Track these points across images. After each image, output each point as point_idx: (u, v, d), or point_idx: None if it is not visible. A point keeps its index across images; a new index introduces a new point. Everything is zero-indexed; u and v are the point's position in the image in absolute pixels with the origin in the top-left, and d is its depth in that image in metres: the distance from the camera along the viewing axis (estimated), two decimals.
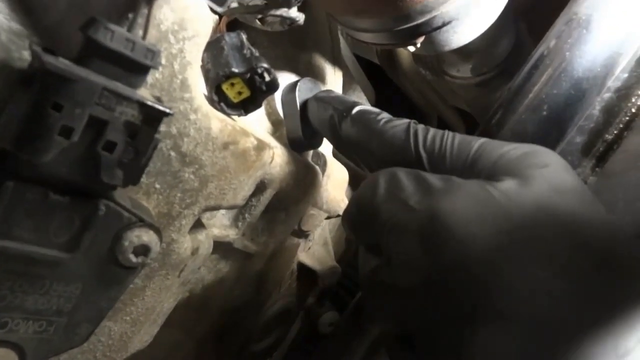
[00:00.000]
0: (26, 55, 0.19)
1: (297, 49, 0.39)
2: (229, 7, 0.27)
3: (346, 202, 0.39)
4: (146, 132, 0.19)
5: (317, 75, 0.40)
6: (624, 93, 0.31)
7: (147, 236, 0.21)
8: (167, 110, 0.19)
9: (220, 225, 0.32)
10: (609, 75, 0.31)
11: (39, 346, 0.21)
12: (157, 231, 0.22)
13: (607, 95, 0.32)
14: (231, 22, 0.29)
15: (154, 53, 0.18)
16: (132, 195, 0.23)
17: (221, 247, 0.32)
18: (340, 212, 0.39)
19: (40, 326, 0.21)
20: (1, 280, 0.19)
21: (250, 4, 0.29)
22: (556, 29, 0.32)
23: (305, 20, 0.29)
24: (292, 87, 0.33)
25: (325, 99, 0.31)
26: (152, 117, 0.19)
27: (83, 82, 0.17)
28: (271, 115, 0.35)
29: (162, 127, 0.21)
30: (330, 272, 0.43)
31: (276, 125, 0.36)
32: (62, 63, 0.16)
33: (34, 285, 0.20)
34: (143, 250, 0.21)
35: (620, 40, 0.30)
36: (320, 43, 0.41)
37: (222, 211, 0.32)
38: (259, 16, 0.29)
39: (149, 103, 0.18)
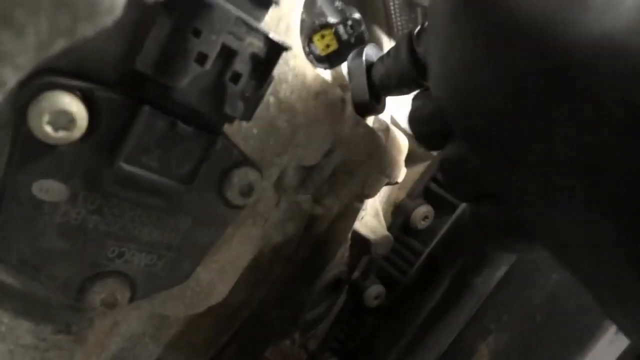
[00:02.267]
0: None
1: None
2: None
3: (405, 170, 0.39)
4: (268, 66, 0.19)
5: (375, 43, 0.41)
6: None
7: (252, 175, 0.22)
8: (289, 45, 0.19)
9: (290, 186, 0.33)
10: None
11: (147, 281, 0.22)
12: (260, 172, 0.23)
13: None
14: None
15: None
16: (233, 140, 0.23)
17: (290, 208, 0.33)
18: (400, 180, 0.40)
19: (151, 259, 0.22)
20: (125, 208, 0.20)
21: None
22: None
23: None
24: (359, 52, 0.34)
25: None
26: (275, 51, 0.19)
27: (220, 9, 0.17)
28: (337, 79, 0.36)
29: None
30: (383, 241, 0.43)
31: (342, 90, 0.36)
32: None
33: (152, 216, 0.21)
34: (248, 189, 0.22)
35: None
36: (375, 15, 0.42)
37: (292, 171, 0.33)
38: None
39: (275, 36, 0.19)
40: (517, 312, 0.35)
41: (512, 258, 0.33)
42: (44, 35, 0.10)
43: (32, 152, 0.17)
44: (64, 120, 0.16)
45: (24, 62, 0.10)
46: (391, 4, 0.48)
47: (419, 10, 0.41)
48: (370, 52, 0.34)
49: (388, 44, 0.42)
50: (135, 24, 0.18)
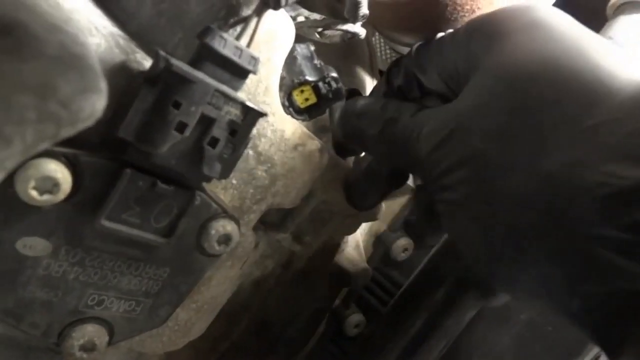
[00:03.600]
0: (139, 58, 0.21)
1: (340, 60, 0.42)
2: (295, 20, 0.29)
3: (384, 208, 0.41)
4: (244, 130, 0.21)
5: (357, 84, 0.42)
6: None
7: (230, 226, 0.23)
8: (265, 112, 0.21)
9: (271, 225, 0.34)
10: None
11: (125, 325, 0.23)
12: (238, 223, 0.24)
13: None
14: None
15: (255, 60, 0.20)
16: (212, 189, 0.25)
17: (270, 245, 0.34)
18: (379, 217, 0.41)
19: (129, 306, 0.23)
20: (105, 260, 0.21)
21: (311, 18, 0.31)
22: None
23: None
24: None
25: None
26: (251, 117, 0.21)
27: (200, 84, 0.19)
28: (318, 121, 0.38)
29: None
30: (362, 273, 0.44)
31: (322, 132, 0.38)
32: (185, 66, 0.18)
33: (131, 266, 0.22)
34: (225, 239, 0.23)
35: None
36: (360, 56, 0.44)
37: (273, 211, 0.34)
38: (319, 29, 0.31)
39: (251, 105, 0.20)
40: (486, 354, 0.36)
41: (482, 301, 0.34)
42: (29, 142, 0.11)
43: (17, 212, 0.18)
44: (49, 184, 0.17)
45: (10, 164, 0.11)
46: (379, 47, 0.50)
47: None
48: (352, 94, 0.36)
49: (371, 84, 0.43)
50: (120, 92, 0.19)
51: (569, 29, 0.22)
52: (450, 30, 0.28)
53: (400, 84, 0.30)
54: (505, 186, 0.20)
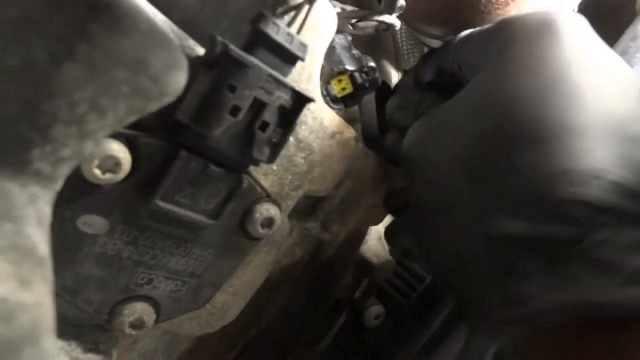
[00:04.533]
0: (191, 44, 0.21)
1: (367, 54, 0.42)
2: None
3: None
4: (293, 115, 0.21)
5: (383, 77, 0.43)
6: None
7: (273, 210, 0.24)
8: (312, 97, 0.21)
9: (300, 213, 0.35)
10: None
11: (171, 304, 0.24)
12: (280, 207, 0.24)
13: None
14: None
15: (305, 47, 0.21)
16: (254, 175, 0.25)
17: (300, 233, 0.35)
18: None
19: (176, 285, 0.23)
20: (157, 240, 0.22)
21: (347, 9, 0.31)
22: (622, 45, 0.34)
23: None
24: None
25: None
26: (300, 102, 0.21)
27: (254, 68, 0.19)
28: (348, 112, 0.38)
29: None
30: (385, 265, 0.45)
31: (351, 122, 0.38)
32: (241, 51, 0.19)
33: (180, 247, 0.22)
34: (268, 223, 0.24)
35: None
36: (386, 50, 0.44)
37: (303, 199, 0.35)
38: (353, 21, 0.31)
39: (300, 90, 0.21)
40: None
41: None
42: (121, 115, 0.12)
43: (80, 190, 0.19)
44: (111, 163, 0.18)
45: (102, 135, 0.12)
46: (400, 41, 0.50)
47: (425, 49, 0.43)
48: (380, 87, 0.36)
49: (396, 77, 0.44)
50: None
51: (574, 57, 0.22)
52: (479, 28, 0.28)
53: (430, 78, 0.31)
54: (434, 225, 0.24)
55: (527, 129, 0.21)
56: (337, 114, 0.32)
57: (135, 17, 0.12)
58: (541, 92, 0.21)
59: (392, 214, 0.37)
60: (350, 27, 0.32)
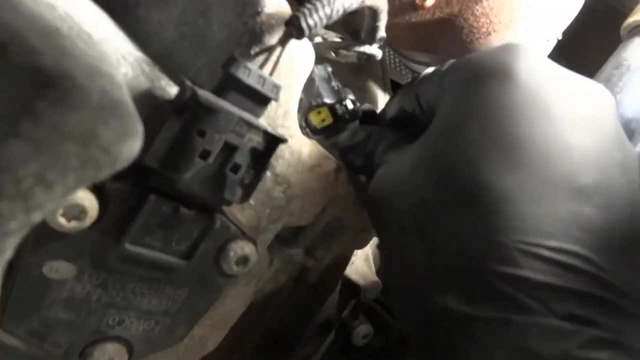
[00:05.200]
0: (163, 84, 0.21)
1: (353, 75, 0.42)
2: (312, 41, 0.30)
3: None
4: (265, 156, 0.21)
5: (370, 100, 0.43)
6: None
7: (248, 248, 0.24)
8: (285, 138, 0.21)
9: (283, 240, 0.35)
10: None
11: (144, 343, 0.24)
12: (255, 244, 0.24)
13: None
14: None
15: (278, 88, 0.21)
16: (230, 210, 0.25)
17: (283, 260, 0.35)
18: None
19: (149, 325, 0.23)
20: (127, 282, 0.21)
21: (328, 39, 0.31)
22: (605, 73, 0.34)
23: None
24: None
25: None
26: (272, 143, 0.21)
27: (224, 113, 0.19)
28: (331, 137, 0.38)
29: None
30: (372, 286, 0.45)
31: (335, 147, 0.38)
32: (210, 95, 0.19)
33: (152, 287, 0.22)
34: (243, 260, 0.24)
35: None
36: (373, 71, 0.44)
37: (287, 227, 0.35)
38: (333, 50, 0.31)
39: (272, 132, 0.21)
40: None
41: None
42: (70, 186, 0.11)
43: (45, 238, 0.18)
44: (76, 211, 0.18)
45: (50, 206, 0.12)
46: (390, 57, 0.50)
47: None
48: (364, 110, 0.36)
49: (383, 99, 0.44)
50: (145, 119, 0.20)
51: (524, 104, 0.20)
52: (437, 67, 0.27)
53: (392, 114, 0.30)
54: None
55: (464, 194, 0.20)
56: (319, 142, 0.32)
57: (85, 90, 0.11)
58: (478, 152, 0.20)
59: None
60: (333, 55, 0.32)
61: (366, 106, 0.36)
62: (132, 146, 0.12)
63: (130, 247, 0.20)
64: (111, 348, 0.22)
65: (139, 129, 0.13)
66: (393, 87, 0.63)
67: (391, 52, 0.61)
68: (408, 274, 0.22)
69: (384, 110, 0.32)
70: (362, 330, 0.50)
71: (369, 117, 0.36)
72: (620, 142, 0.21)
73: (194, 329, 0.28)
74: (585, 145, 0.19)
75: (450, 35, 0.30)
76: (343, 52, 0.31)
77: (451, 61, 0.25)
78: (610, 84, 0.33)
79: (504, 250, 0.18)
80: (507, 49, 0.22)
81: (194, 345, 0.28)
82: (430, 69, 0.27)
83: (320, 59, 0.31)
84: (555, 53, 0.36)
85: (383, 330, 0.47)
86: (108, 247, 0.20)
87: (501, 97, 0.20)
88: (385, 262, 0.25)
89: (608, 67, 0.34)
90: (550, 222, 0.18)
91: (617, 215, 0.18)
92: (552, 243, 0.18)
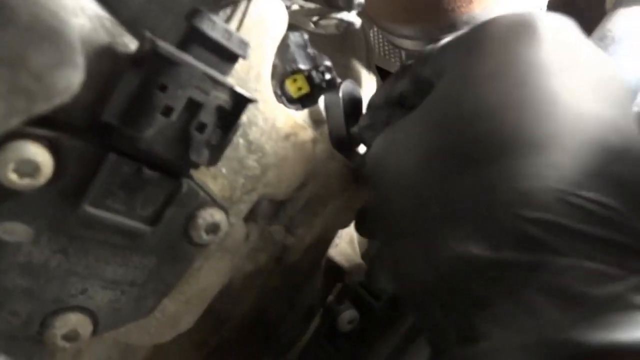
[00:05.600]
0: (126, 40, 0.20)
1: (336, 53, 0.41)
2: (290, 9, 0.29)
3: None
4: (233, 116, 0.20)
5: (353, 77, 0.42)
6: None
7: (218, 215, 0.23)
8: (254, 98, 0.20)
9: (263, 216, 0.34)
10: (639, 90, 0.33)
11: (110, 315, 0.23)
12: (226, 212, 0.23)
13: (635, 109, 0.33)
14: None
15: (245, 44, 0.20)
16: (201, 178, 0.24)
17: (262, 238, 0.34)
18: None
19: (114, 295, 0.22)
20: (89, 248, 0.20)
21: (306, 6, 0.30)
22: None
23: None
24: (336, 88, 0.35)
25: None
26: (240, 103, 0.20)
27: (187, 67, 0.18)
28: (313, 114, 0.37)
29: None
30: (356, 269, 0.44)
31: (317, 124, 0.37)
32: (171, 48, 0.18)
33: (116, 255, 0.21)
34: (214, 228, 0.23)
35: None
36: (357, 50, 0.43)
37: (266, 202, 0.34)
38: (315, 19, 0.30)
39: (239, 90, 0.20)
40: None
41: None
42: (0, 116, 0.11)
43: None
44: (29, 168, 0.17)
45: None
46: (378, 41, 0.49)
47: (402, 52, 0.43)
48: (347, 88, 0.35)
49: (367, 78, 0.43)
50: (106, 75, 0.19)
51: (550, 60, 0.20)
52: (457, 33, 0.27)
53: (402, 90, 0.29)
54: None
55: (486, 144, 0.19)
56: (303, 117, 0.31)
57: (14, 8, 0.10)
58: (505, 101, 0.19)
59: (363, 236, 0.36)
60: (312, 26, 0.31)
61: (349, 83, 0.35)
62: (70, 77, 0.12)
63: (90, 209, 0.19)
64: (74, 318, 0.21)
65: (77, 59, 0.12)
66: (381, 75, 0.63)
67: (380, 36, 0.60)
68: (417, 228, 0.21)
69: (375, 96, 0.31)
70: (348, 315, 0.49)
71: (356, 105, 0.35)
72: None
73: (166, 304, 0.27)
74: (609, 109, 0.19)
75: (430, 4, 0.29)
76: (322, 22, 0.31)
77: (464, 30, 0.24)
78: None
79: (536, 196, 0.17)
80: (528, 12, 0.22)
81: (166, 321, 0.27)
82: (447, 39, 0.26)
83: (299, 31, 0.31)
84: None
85: (367, 314, 0.46)
86: (66, 209, 0.19)
87: (525, 51, 0.20)
88: (386, 227, 0.23)
89: (593, 39, 0.33)
90: (585, 174, 0.17)
91: None
92: (589, 194, 0.17)
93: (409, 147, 0.22)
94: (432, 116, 0.21)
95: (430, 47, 0.27)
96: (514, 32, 0.21)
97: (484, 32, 0.22)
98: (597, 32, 0.33)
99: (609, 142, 0.18)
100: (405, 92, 0.28)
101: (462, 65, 0.22)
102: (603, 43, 0.32)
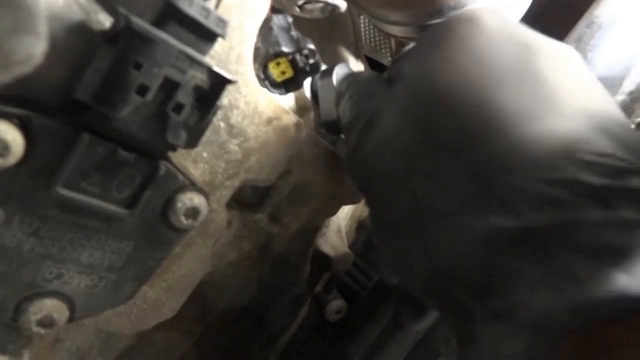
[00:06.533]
0: (101, 18, 0.20)
1: (324, 41, 0.40)
2: None
3: None
4: (211, 97, 0.20)
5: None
6: (637, 96, 0.33)
7: (197, 199, 0.22)
8: (233, 79, 0.20)
9: (247, 204, 0.33)
10: (626, 77, 0.32)
11: (87, 300, 0.22)
12: (207, 196, 0.23)
13: (620, 97, 0.33)
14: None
15: (224, 23, 0.19)
16: (181, 162, 0.24)
17: (246, 226, 0.33)
18: (360, 200, 0.40)
19: (91, 280, 0.22)
20: (63, 231, 0.20)
21: None
22: (578, 32, 0.34)
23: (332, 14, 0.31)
24: (329, 71, 0.34)
25: None
26: (219, 84, 0.20)
27: (163, 44, 0.18)
28: (299, 100, 0.37)
29: None
30: (343, 258, 0.44)
31: (303, 110, 0.37)
32: (146, 24, 0.17)
33: (92, 239, 0.21)
34: (193, 213, 0.22)
35: (638, 45, 0.31)
36: (345, 37, 0.43)
37: (250, 189, 0.33)
38: (300, 3, 0.30)
39: (218, 70, 0.19)
40: None
41: None
42: None
43: None
44: None
45: None
46: (368, 30, 0.49)
47: (392, 42, 0.42)
48: (341, 72, 0.35)
49: (355, 64, 0.42)
50: (79, 52, 0.18)
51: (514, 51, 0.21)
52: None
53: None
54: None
55: (482, 117, 0.19)
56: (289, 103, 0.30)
57: None
58: (490, 75, 0.19)
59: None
60: (298, 10, 0.31)
61: (343, 66, 0.35)
62: (30, 46, 0.11)
63: (63, 191, 0.19)
64: (49, 303, 0.21)
65: (39, 27, 0.11)
66: (371, 65, 0.62)
67: (370, 26, 0.60)
68: (422, 221, 0.20)
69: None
70: (335, 305, 0.49)
71: None
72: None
73: (147, 290, 0.27)
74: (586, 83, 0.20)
75: None
76: (308, 6, 0.30)
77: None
78: (582, 43, 0.32)
79: (549, 158, 0.17)
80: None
81: (147, 308, 0.27)
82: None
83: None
84: (527, 13, 0.35)
85: (354, 303, 0.46)
86: (39, 191, 0.18)
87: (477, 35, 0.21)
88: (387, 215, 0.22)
89: (580, 25, 0.33)
90: (587, 133, 0.18)
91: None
92: (597, 149, 0.17)
93: (390, 124, 0.22)
94: (404, 97, 0.21)
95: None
96: (464, 22, 0.22)
97: (440, 28, 0.24)
98: (585, 19, 0.33)
99: (599, 107, 0.19)
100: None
101: (422, 55, 0.23)
102: (590, 29, 0.32)
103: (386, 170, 0.21)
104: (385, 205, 0.22)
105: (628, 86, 0.33)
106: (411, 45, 0.27)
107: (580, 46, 0.32)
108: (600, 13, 0.32)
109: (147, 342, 0.34)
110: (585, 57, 0.32)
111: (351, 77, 0.29)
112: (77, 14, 0.19)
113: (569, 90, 0.19)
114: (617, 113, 0.20)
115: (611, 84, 0.32)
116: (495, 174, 0.18)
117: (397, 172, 0.21)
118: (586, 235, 0.16)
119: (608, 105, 0.20)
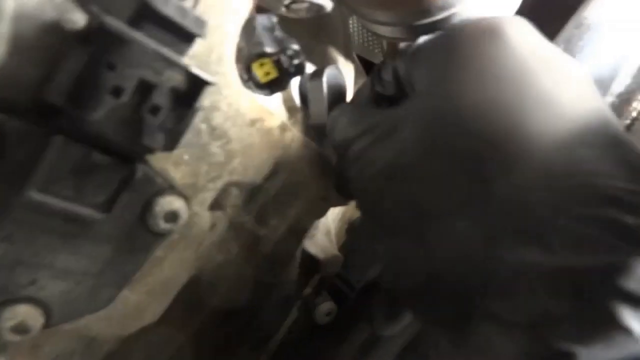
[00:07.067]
0: (76, 17, 0.19)
1: (313, 41, 0.40)
2: None
3: None
4: (190, 99, 0.19)
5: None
6: (625, 97, 0.33)
7: (177, 203, 0.22)
8: (212, 80, 0.19)
9: (232, 206, 0.33)
10: (615, 78, 0.32)
11: (64, 306, 0.22)
12: (187, 199, 0.23)
13: (609, 99, 0.33)
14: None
15: (202, 23, 0.19)
16: (162, 165, 0.23)
17: (232, 228, 0.33)
18: (349, 202, 0.40)
19: (67, 286, 0.21)
20: (37, 236, 0.19)
21: None
22: (566, 33, 0.33)
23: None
24: (319, 73, 0.34)
25: None
26: (197, 85, 0.19)
27: (137, 45, 0.17)
28: (287, 101, 0.36)
29: None
30: (332, 260, 0.43)
31: (291, 112, 0.36)
32: (120, 24, 0.17)
33: (66, 243, 0.20)
34: (172, 217, 0.22)
35: (627, 46, 0.31)
36: (334, 37, 0.42)
37: (235, 191, 0.33)
38: (286, 2, 0.29)
39: (196, 71, 0.19)
40: None
41: None
42: None
43: None
44: None
45: None
46: (353, 26, 0.48)
47: (383, 41, 0.42)
48: (331, 74, 0.34)
49: (345, 65, 0.42)
50: (52, 53, 0.18)
51: (527, 60, 0.20)
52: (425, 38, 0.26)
53: (392, 93, 0.28)
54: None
55: (502, 145, 0.18)
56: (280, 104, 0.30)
57: None
58: (507, 99, 0.19)
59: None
60: (284, 10, 0.30)
61: (333, 68, 0.34)
62: None
63: (35, 195, 0.18)
64: (23, 310, 0.20)
65: (0, 29, 0.11)
66: (363, 65, 0.62)
67: (360, 25, 0.59)
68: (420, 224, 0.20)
69: (360, 90, 0.30)
70: (325, 307, 0.48)
71: (339, 92, 0.34)
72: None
73: (128, 295, 0.26)
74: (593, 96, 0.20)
75: None
76: (294, 6, 0.30)
77: (433, 35, 0.25)
78: (570, 45, 0.32)
79: (585, 191, 0.16)
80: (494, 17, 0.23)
81: (129, 313, 0.27)
82: (417, 43, 0.26)
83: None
84: (516, 14, 0.35)
85: (344, 305, 0.45)
86: (10, 195, 0.18)
87: (502, 53, 0.20)
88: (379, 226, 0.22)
89: (569, 27, 0.33)
90: (613, 166, 0.17)
91: None
92: (622, 185, 0.17)
93: (399, 147, 0.21)
94: (423, 115, 0.21)
95: (405, 45, 0.27)
96: (486, 36, 0.21)
97: (458, 39, 0.23)
98: (574, 20, 0.33)
99: (611, 131, 0.19)
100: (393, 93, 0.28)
101: (441, 70, 0.22)
102: (579, 31, 0.32)
103: (386, 171, 0.21)
104: (385, 205, 0.22)
105: (617, 88, 0.32)
106: (412, 45, 0.26)
107: (569, 47, 0.32)
108: (589, 14, 0.32)
109: (129, 346, 0.34)
110: (573, 58, 0.32)
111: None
112: (49, 13, 0.18)
113: (586, 116, 0.19)
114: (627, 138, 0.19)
115: (600, 86, 0.31)
116: (521, 205, 0.17)
117: (400, 173, 0.21)
118: (634, 283, 0.15)
119: (617, 129, 0.19)
